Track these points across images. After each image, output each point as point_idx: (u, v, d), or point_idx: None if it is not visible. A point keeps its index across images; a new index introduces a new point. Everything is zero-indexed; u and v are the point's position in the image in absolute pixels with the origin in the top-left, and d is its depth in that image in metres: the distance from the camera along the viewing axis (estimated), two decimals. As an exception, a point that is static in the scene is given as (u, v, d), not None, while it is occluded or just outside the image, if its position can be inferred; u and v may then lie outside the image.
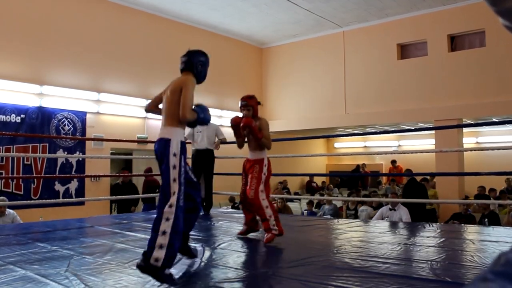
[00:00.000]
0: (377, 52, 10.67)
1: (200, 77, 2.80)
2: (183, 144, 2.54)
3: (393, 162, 13.08)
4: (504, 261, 0.70)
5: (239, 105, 3.74)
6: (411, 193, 7.31)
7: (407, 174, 12.11)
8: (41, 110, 7.87)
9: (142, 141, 8.81)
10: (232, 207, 8.73)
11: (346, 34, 11.18)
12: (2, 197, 5.97)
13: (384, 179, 13.23)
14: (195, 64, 2.78)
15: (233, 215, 5.77)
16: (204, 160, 5.72)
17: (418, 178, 8.22)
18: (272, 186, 12.14)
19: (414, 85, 10.04)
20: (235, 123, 3.76)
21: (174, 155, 2.46)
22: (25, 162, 7.66)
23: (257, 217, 3.71)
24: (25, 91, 7.68)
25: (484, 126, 11.28)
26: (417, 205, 7.12)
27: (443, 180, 9.08)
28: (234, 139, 4.00)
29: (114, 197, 7.73)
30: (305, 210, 8.78)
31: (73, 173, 8.19)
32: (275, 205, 8.44)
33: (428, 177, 9.21)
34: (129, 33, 9.38)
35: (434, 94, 9.70)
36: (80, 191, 8.28)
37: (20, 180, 7.63)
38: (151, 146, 9.67)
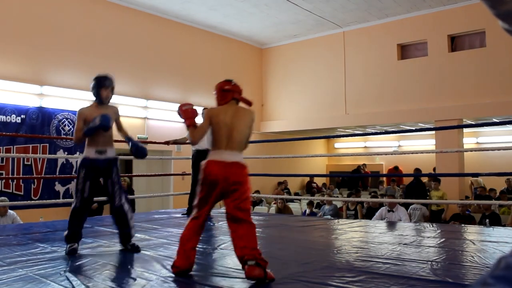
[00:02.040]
0: (377, 52, 10.67)
1: (96, 100, 3.46)
2: (83, 160, 3.26)
3: (395, 168, 12.88)
4: (504, 265, 0.70)
5: None
6: (413, 192, 7.36)
7: (406, 174, 12.13)
8: (41, 111, 7.87)
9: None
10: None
11: (346, 35, 11.18)
12: (2, 198, 5.98)
13: (385, 180, 13.19)
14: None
15: (233, 216, 5.76)
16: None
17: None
18: (272, 187, 12.15)
19: (414, 86, 10.03)
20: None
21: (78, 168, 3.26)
22: (25, 163, 7.66)
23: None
24: (25, 91, 7.68)
25: (485, 127, 11.27)
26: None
27: (443, 180, 9.07)
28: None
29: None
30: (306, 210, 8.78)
31: (73, 173, 8.19)
32: (275, 205, 8.46)
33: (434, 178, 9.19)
34: (129, 34, 9.38)
35: (435, 94, 9.69)
36: (80, 192, 8.27)
37: (21, 180, 7.63)
38: (151, 147, 9.60)
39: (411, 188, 8.47)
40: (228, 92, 2.82)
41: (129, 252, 3.23)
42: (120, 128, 3.49)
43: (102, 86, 3.32)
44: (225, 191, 2.59)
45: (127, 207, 3.32)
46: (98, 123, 3.11)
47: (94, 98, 3.41)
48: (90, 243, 3.66)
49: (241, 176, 2.59)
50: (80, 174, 3.18)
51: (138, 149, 3.38)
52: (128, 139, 3.44)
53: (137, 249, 3.27)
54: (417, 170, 9.08)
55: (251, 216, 2.59)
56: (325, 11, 10.01)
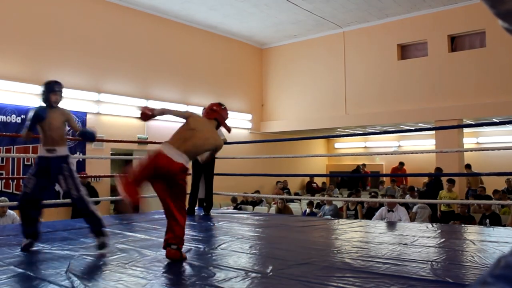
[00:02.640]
0: (377, 52, 10.67)
1: (46, 104, 3.55)
2: (37, 159, 3.50)
3: (401, 163, 12.49)
4: (504, 264, 0.70)
5: None
6: (431, 191, 7.57)
7: (406, 174, 12.12)
8: (41, 111, 7.86)
9: (142, 142, 8.81)
10: (235, 208, 8.71)
11: (346, 35, 11.18)
12: (2, 198, 5.98)
13: (385, 180, 13.19)
14: None
15: (234, 216, 5.77)
16: (205, 160, 5.73)
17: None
18: (272, 187, 12.16)
19: (414, 86, 10.03)
20: None
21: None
22: (26, 163, 7.66)
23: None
24: (25, 91, 7.68)
25: (485, 127, 11.27)
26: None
27: (443, 180, 9.07)
28: (234, 140, 3.89)
29: (114, 197, 7.71)
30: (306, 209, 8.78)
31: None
32: (275, 205, 8.45)
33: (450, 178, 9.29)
34: (129, 34, 9.38)
35: (435, 94, 9.69)
36: (81, 192, 8.27)
37: (21, 180, 7.62)
38: (152, 147, 9.68)
39: (430, 186, 8.64)
40: (213, 112, 3.24)
41: (129, 252, 3.23)
42: (74, 128, 3.67)
43: (51, 91, 3.50)
44: (165, 180, 2.92)
45: (88, 200, 3.38)
46: (33, 113, 3.35)
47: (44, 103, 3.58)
48: (90, 243, 3.66)
49: (179, 173, 2.92)
50: (31, 171, 3.40)
51: (86, 132, 3.66)
52: (80, 131, 3.67)
53: (102, 247, 3.24)
54: (438, 169, 9.15)
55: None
56: (325, 11, 10.01)
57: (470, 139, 12.25)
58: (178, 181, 2.94)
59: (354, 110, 10.92)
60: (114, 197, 7.75)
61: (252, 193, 10.06)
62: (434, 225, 4.81)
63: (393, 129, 11.76)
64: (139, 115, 3.22)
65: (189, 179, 6.08)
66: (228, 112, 3.35)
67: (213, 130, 3.19)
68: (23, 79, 7.63)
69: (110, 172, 8.96)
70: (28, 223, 3.35)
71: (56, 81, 3.63)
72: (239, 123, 11.83)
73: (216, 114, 3.23)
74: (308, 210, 8.41)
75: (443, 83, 9.60)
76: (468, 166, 10.18)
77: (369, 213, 7.37)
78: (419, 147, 13.19)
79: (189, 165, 6.02)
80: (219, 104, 3.29)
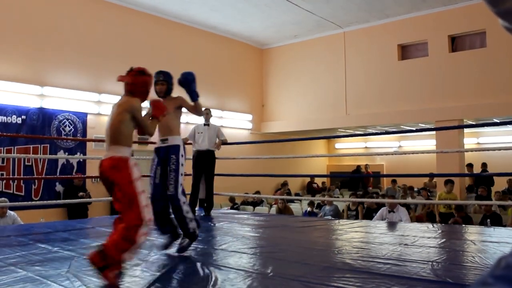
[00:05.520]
0: (377, 52, 10.67)
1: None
2: (155, 149, 3.47)
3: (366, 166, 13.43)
4: (504, 264, 0.70)
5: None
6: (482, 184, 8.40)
7: (406, 175, 12.13)
8: (42, 111, 7.87)
9: (142, 142, 8.81)
10: (232, 208, 8.70)
11: (346, 35, 11.18)
12: (3, 198, 5.97)
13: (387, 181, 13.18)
14: None
15: (234, 216, 5.77)
16: (205, 161, 5.73)
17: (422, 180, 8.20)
18: (272, 187, 12.15)
19: (414, 86, 10.03)
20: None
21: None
22: (26, 163, 7.67)
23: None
24: (26, 92, 7.69)
25: (485, 127, 11.25)
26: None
27: (443, 180, 9.07)
28: (235, 140, 3.83)
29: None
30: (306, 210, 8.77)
31: (73, 174, 8.19)
32: (275, 206, 8.44)
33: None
34: (129, 34, 9.39)
35: (435, 94, 9.69)
36: (81, 192, 8.27)
37: (21, 181, 7.63)
38: (152, 147, 9.61)
39: (480, 179, 8.91)
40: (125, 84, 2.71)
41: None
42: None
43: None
44: (108, 186, 2.53)
45: (183, 199, 3.30)
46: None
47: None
48: (90, 243, 3.66)
49: (109, 170, 2.44)
50: (154, 161, 3.45)
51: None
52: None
53: (180, 250, 3.22)
54: (484, 165, 10.09)
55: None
56: (326, 12, 10.01)
57: (470, 139, 12.24)
58: (114, 180, 2.40)
59: (355, 111, 10.92)
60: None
61: (252, 194, 10.06)
62: (434, 225, 4.81)
63: (394, 130, 11.76)
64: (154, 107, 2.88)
65: (189, 179, 6.09)
66: (146, 75, 2.79)
67: (119, 108, 2.62)
68: (23, 79, 7.63)
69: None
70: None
71: (160, 71, 3.78)
72: (239, 123, 11.83)
73: (126, 85, 2.68)
74: (309, 209, 8.40)
75: (443, 84, 9.60)
76: (471, 165, 10.21)
77: (367, 214, 7.35)
78: (419, 148, 13.18)
79: (190, 165, 5.95)
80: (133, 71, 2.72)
